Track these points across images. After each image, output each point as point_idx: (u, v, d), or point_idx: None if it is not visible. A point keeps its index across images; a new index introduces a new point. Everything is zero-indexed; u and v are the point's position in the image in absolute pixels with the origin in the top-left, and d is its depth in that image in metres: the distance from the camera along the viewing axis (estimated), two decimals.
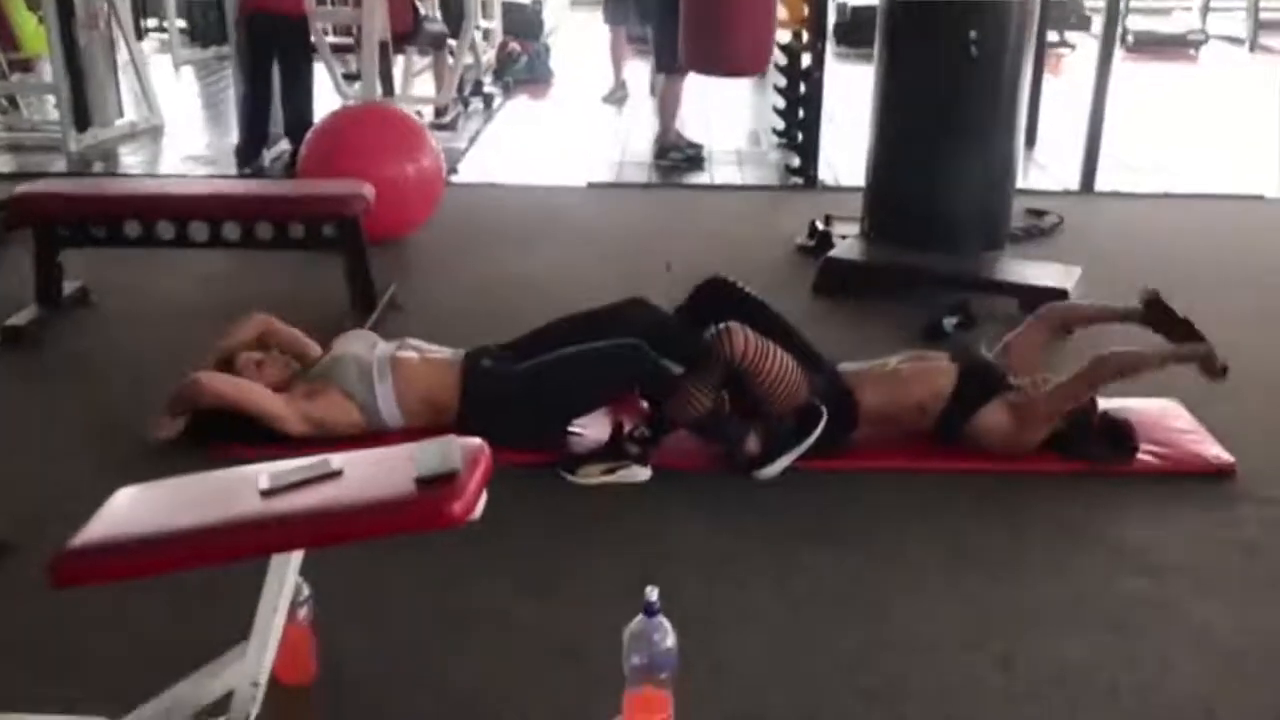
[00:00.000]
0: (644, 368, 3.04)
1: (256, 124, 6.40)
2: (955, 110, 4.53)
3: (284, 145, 6.42)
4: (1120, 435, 3.09)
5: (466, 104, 8.21)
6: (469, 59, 8.21)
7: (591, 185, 6.32)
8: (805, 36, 6.30)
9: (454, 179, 6.13)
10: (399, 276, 4.38)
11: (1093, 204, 6.01)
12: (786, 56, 6.37)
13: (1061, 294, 4.12)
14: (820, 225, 5.11)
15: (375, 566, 2.57)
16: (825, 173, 6.34)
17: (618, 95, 8.94)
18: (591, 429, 3.15)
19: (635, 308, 3.31)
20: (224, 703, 1.88)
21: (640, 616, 1.77)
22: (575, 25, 13.10)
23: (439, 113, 7.76)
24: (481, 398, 3.07)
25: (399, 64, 7.84)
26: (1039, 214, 5.47)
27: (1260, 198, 6.13)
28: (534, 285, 4.47)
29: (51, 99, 7.25)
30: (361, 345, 3.20)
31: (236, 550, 1.75)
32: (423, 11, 7.80)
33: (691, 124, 7.08)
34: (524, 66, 9.70)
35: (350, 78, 7.35)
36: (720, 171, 6.74)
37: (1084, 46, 10.81)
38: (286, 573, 1.82)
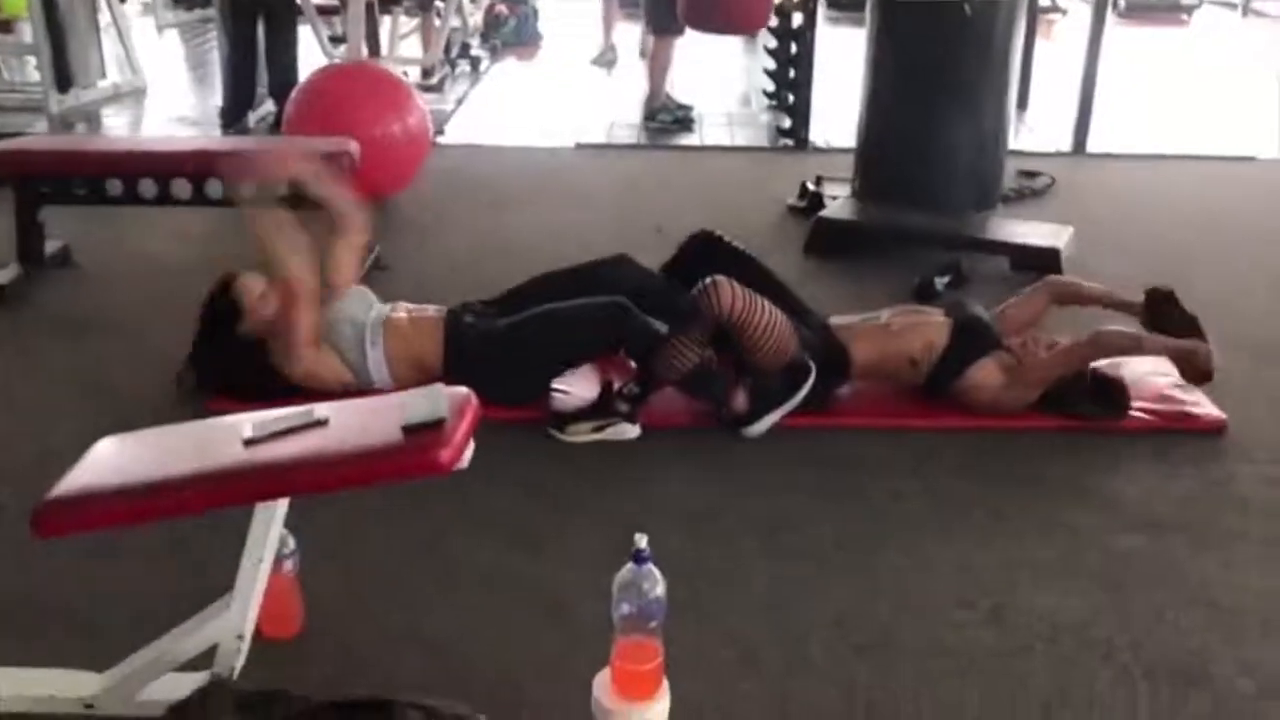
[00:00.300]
0: (627, 325, 3.00)
1: (241, 86, 6.32)
2: (947, 70, 4.50)
3: (269, 107, 6.35)
4: (1112, 393, 3.07)
5: (453, 66, 8.12)
6: (456, 21, 8.12)
7: (580, 146, 6.26)
8: None
9: (440, 140, 6.06)
10: (384, 236, 4.32)
11: (1084, 165, 5.97)
12: (778, 17, 6.29)
13: (1053, 253, 4.10)
14: (811, 186, 5.07)
15: (362, 522, 2.55)
16: (816, 134, 6.28)
17: (607, 58, 8.86)
18: (580, 387, 3.12)
19: (620, 264, 3.27)
20: (209, 656, 1.86)
21: (629, 564, 1.74)
22: None
23: (425, 74, 7.68)
24: (464, 354, 3.03)
25: (385, 25, 7.76)
26: (1031, 175, 5.44)
27: (1251, 159, 6.12)
28: (521, 245, 4.43)
29: (32, 60, 7.15)
30: (359, 307, 3.15)
31: (219, 498, 1.72)
32: None
33: (682, 86, 7.02)
34: (512, 29, 9.60)
35: (336, 40, 7.27)
36: (711, 133, 6.68)
37: (1077, 12, 10.74)
38: (271, 523, 1.79)
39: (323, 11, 7.20)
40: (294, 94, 5.03)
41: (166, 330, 3.26)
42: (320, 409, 1.82)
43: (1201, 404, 3.14)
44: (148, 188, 3.95)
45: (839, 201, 4.81)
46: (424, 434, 1.70)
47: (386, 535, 2.55)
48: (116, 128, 6.74)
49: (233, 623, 1.83)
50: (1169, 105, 7.60)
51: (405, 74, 6.63)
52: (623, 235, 4.18)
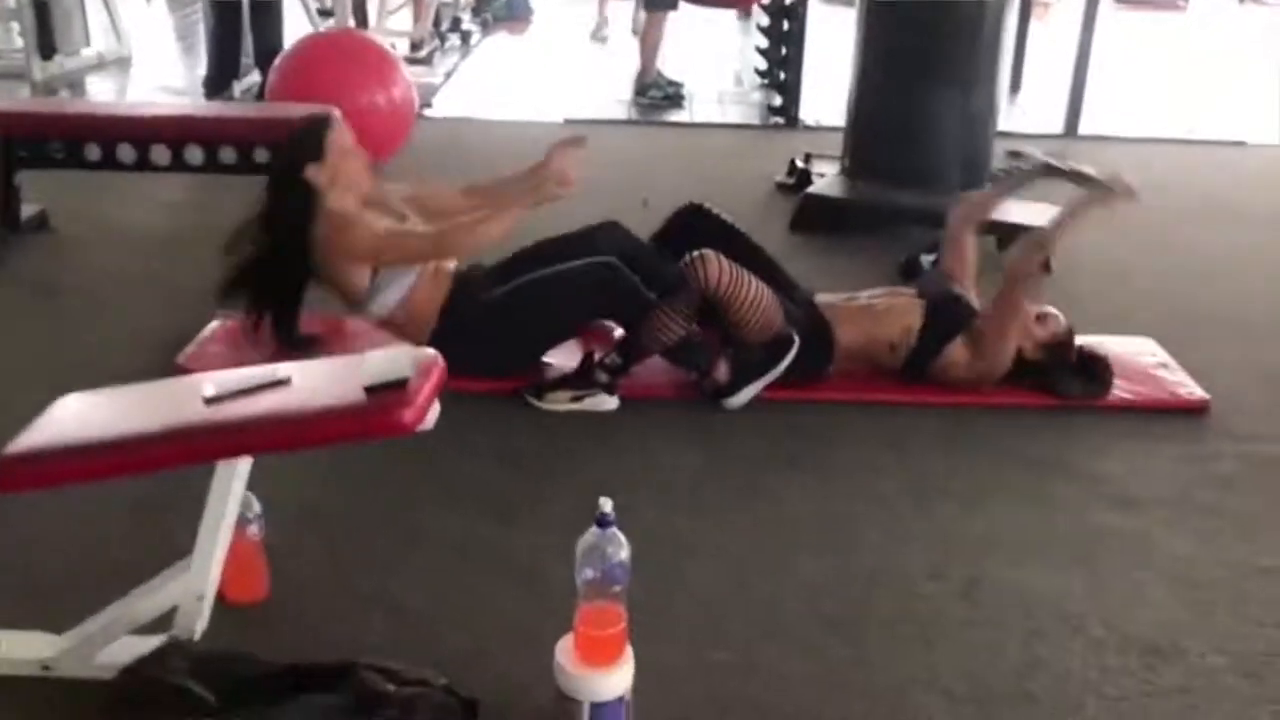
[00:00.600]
0: (617, 285, 2.96)
1: (226, 56, 6.25)
2: (937, 50, 4.46)
3: (254, 78, 6.28)
4: (1095, 370, 3.05)
5: (443, 40, 8.05)
6: None
7: (568, 121, 6.21)
8: None
9: (428, 113, 6.01)
10: None
11: (1076, 147, 5.92)
12: None
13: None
14: (800, 163, 5.04)
15: (332, 489, 2.53)
16: (806, 113, 6.24)
17: (601, 34, 8.82)
18: (562, 356, 3.09)
19: (609, 231, 3.23)
20: (169, 618, 1.84)
21: (593, 528, 1.71)
22: None
23: (414, 47, 7.61)
24: (463, 323, 2.95)
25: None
26: (1020, 155, 5.40)
27: (1242, 144, 6.10)
28: None
29: (16, 26, 7.08)
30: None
31: (179, 456, 1.70)
32: None
33: (673, 63, 6.96)
34: (503, 4, 9.52)
35: (325, 14, 7.20)
36: (702, 110, 6.63)
37: None
38: (231, 482, 1.77)
39: None
40: (277, 61, 4.98)
41: (141, 296, 3.23)
42: (283, 369, 1.80)
43: (1184, 383, 3.12)
44: (126, 153, 3.90)
45: (827, 178, 4.78)
46: (387, 394, 1.68)
47: (358, 503, 2.52)
48: (100, 95, 6.67)
49: (193, 583, 1.80)
50: (1163, 90, 7.57)
51: (393, 46, 6.56)
52: (610, 209, 4.12)
